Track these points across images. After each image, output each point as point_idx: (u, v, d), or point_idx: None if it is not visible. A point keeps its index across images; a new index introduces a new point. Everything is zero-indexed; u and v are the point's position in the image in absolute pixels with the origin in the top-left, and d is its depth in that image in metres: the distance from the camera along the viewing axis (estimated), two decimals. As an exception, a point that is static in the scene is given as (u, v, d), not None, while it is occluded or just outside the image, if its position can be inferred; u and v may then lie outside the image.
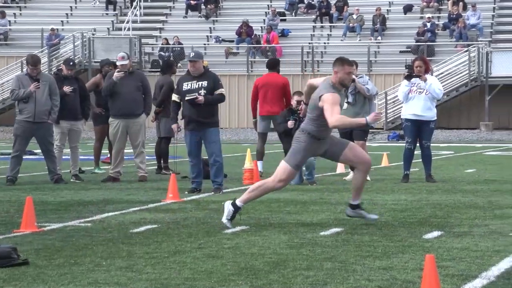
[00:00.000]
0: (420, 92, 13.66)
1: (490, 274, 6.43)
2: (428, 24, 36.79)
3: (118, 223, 9.37)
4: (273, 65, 15.34)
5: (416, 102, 13.65)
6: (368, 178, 14.14)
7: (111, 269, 6.76)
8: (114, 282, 6.31)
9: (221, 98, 12.39)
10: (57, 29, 38.53)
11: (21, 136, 13.75)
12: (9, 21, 40.07)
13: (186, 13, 40.88)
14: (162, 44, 37.97)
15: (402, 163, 14.07)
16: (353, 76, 14.05)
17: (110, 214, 10.11)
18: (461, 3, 38.18)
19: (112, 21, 40.65)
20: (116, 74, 14.02)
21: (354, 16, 38.23)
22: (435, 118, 13.99)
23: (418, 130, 13.74)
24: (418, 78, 13.63)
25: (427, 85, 13.63)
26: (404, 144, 14.05)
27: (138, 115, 14.19)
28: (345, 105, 14.15)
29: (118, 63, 14.25)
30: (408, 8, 39.18)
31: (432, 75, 14.09)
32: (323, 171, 15.63)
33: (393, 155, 19.98)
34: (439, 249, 7.50)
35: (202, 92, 12.18)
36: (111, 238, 8.32)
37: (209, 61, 35.23)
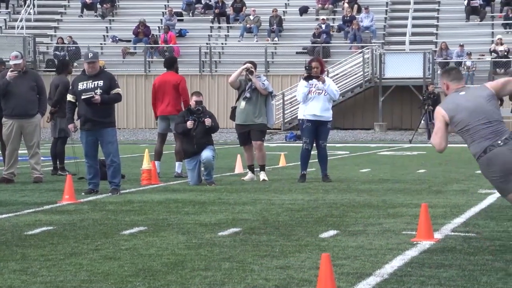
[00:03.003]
0: (319, 93, 13.85)
1: (383, 272, 6.59)
2: (323, 26, 37.35)
3: (11, 225, 9.18)
4: (170, 64, 15.30)
5: (316, 103, 13.84)
6: (266, 178, 14.28)
7: (4, 272, 6.62)
8: (7, 286, 6.19)
9: (118, 97, 12.30)
10: None
11: None
12: None
13: (82, 12, 40.33)
14: (57, 43, 37.36)
15: (299, 163, 14.24)
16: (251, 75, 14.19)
17: (4, 216, 9.89)
18: (355, 6, 38.91)
19: (5, 19, 39.75)
20: (10, 74, 13.73)
21: (251, 17, 38.48)
22: (331, 118, 14.23)
23: (316, 131, 13.93)
24: (316, 79, 13.82)
25: (326, 86, 13.84)
26: (302, 145, 14.21)
27: (32, 115, 13.93)
28: (243, 103, 14.25)
29: (11, 63, 13.96)
30: (304, 10, 39.67)
31: (327, 76, 14.33)
32: (221, 171, 15.68)
33: (290, 155, 20.20)
34: (334, 248, 7.63)
35: (98, 91, 12.07)
36: (5, 240, 8.15)
37: (106, 61, 34.86)
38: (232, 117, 14.50)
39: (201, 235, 8.40)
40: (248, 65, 14.19)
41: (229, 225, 9.08)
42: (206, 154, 13.48)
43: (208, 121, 13.48)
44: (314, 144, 14.05)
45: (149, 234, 8.47)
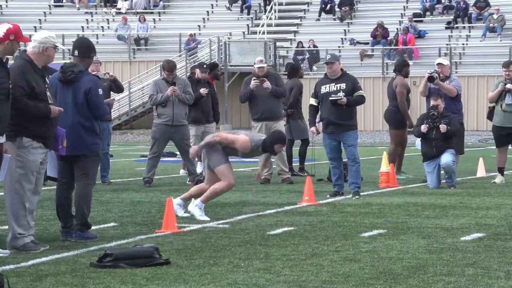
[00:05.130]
0: None
1: None
2: None
3: (255, 224, 9.43)
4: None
5: None
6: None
7: (249, 270, 6.80)
8: (252, 283, 6.35)
9: (362, 99, 12.29)
10: (194, 33, 39.31)
11: (159, 139, 14.06)
12: (149, 26, 41.18)
13: (319, 15, 40.87)
14: (297, 47, 38.11)
15: None
16: (510, 85, 13.77)
17: (247, 216, 10.18)
18: None
19: (247, 25, 41.10)
20: (253, 83, 14.17)
21: (495, 16, 37.23)
22: None
23: None
24: None
25: None
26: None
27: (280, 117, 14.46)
28: (505, 106, 13.88)
29: (256, 66, 14.41)
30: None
31: None
32: (463, 175, 15.27)
33: None
34: None
35: (341, 94, 12.09)
36: (249, 239, 8.38)
37: (344, 63, 35.04)
38: (490, 117, 14.26)
39: (442, 240, 8.21)
40: None
41: (472, 230, 8.80)
42: (445, 158, 13.20)
43: (443, 128, 13.20)
44: None
45: (388, 237, 8.39)
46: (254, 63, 14.57)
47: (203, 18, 41.95)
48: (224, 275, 6.63)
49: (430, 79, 13.81)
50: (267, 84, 14.12)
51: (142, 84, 37.87)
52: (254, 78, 14.22)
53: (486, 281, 6.30)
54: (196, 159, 14.53)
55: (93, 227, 8.67)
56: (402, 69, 14.87)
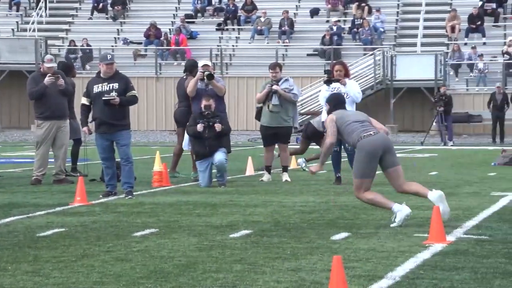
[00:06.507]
0: None
1: (395, 274, 6.58)
2: (335, 28, 37.30)
3: (24, 226, 9.20)
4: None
5: None
6: (289, 179, 14.40)
7: (17, 274, 6.64)
8: (20, 287, 6.21)
9: (134, 99, 12.29)
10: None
11: None
12: None
13: (92, 14, 40.40)
14: (69, 45, 37.45)
15: (332, 166, 14.13)
16: (276, 86, 14.28)
17: (16, 218, 9.92)
18: (366, 7, 38.85)
19: (17, 22, 39.87)
20: (48, 79, 13.81)
21: (262, 19, 38.47)
22: None
23: None
24: (337, 82, 13.82)
25: (347, 89, 13.82)
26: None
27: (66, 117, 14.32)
28: (271, 105, 14.32)
29: (46, 65, 14.06)
30: (314, 12, 39.64)
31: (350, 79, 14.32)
32: (232, 174, 15.68)
33: (299, 157, 20.13)
34: (346, 250, 7.62)
35: (114, 94, 12.05)
36: (17, 242, 8.18)
37: (117, 63, 34.84)
38: (258, 117, 14.68)
39: (212, 237, 8.41)
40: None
41: (240, 227, 9.08)
42: (219, 157, 13.51)
43: (218, 127, 13.51)
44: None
45: (160, 236, 8.48)
46: (43, 62, 14.31)
47: (-33, 14, 40.25)
48: (-9, 280, 6.44)
49: (210, 76, 13.99)
50: (61, 81, 13.88)
51: None
52: (49, 75, 13.90)
53: (252, 277, 6.53)
54: None
55: None
56: (192, 69, 15.00)
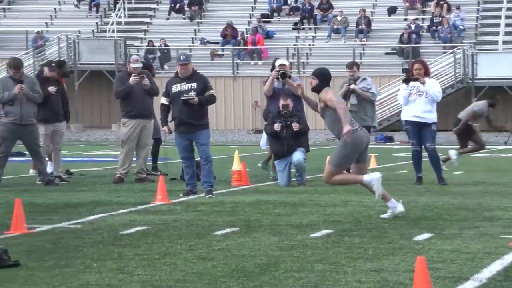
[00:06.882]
0: (420, 94, 13.72)
1: (482, 276, 6.45)
2: (413, 26, 36.90)
3: (107, 224, 9.34)
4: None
5: (416, 104, 13.72)
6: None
7: (102, 271, 6.74)
8: (105, 284, 6.29)
9: (213, 99, 12.35)
10: (42, 31, 38.39)
11: (7, 138, 13.68)
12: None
13: (169, 14, 40.82)
14: (148, 46, 37.91)
15: (413, 166, 13.99)
16: (354, 86, 14.23)
17: (100, 216, 10.07)
18: (445, 5, 38.32)
19: (97, 23, 40.53)
20: (133, 79, 14.04)
21: (339, 18, 38.30)
22: (436, 120, 14.05)
23: (419, 132, 13.80)
24: (416, 81, 13.67)
25: (426, 88, 13.67)
26: (410, 147, 14.10)
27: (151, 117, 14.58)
28: (349, 104, 14.25)
29: (132, 66, 14.29)
30: (392, 10, 39.27)
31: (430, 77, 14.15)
32: (311, 173, 15.63)
33: (379, 157, 20.00)
34: (429, 251, 7.51)
35: (192, 93, 12.14)
36: (101, 239, 8.30)
37: (194, 63, 35.08)
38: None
39: (293, 237, 8.39)
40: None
41: (320, 227, 9.04)
42: (297, 156, 13.50)
43: (295, 126, 13.50)
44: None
45: (241, 235, 8.50)
46: (129, 62, 14.52)
47: (50, 15, 41.04)
48: (76, 276, 6.54)
49: (283, 75, 13.94)
50: (146, 81, 14.06)
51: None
52: (134, 74, 14.11)
53: (334, 276, 6.49)
54: (47, 158, 14.24)
55: None
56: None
